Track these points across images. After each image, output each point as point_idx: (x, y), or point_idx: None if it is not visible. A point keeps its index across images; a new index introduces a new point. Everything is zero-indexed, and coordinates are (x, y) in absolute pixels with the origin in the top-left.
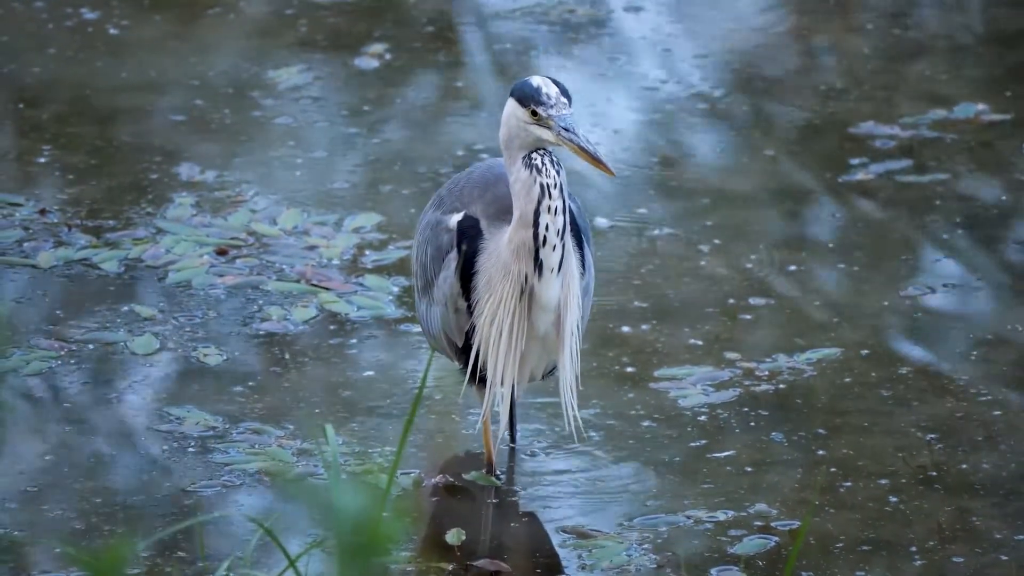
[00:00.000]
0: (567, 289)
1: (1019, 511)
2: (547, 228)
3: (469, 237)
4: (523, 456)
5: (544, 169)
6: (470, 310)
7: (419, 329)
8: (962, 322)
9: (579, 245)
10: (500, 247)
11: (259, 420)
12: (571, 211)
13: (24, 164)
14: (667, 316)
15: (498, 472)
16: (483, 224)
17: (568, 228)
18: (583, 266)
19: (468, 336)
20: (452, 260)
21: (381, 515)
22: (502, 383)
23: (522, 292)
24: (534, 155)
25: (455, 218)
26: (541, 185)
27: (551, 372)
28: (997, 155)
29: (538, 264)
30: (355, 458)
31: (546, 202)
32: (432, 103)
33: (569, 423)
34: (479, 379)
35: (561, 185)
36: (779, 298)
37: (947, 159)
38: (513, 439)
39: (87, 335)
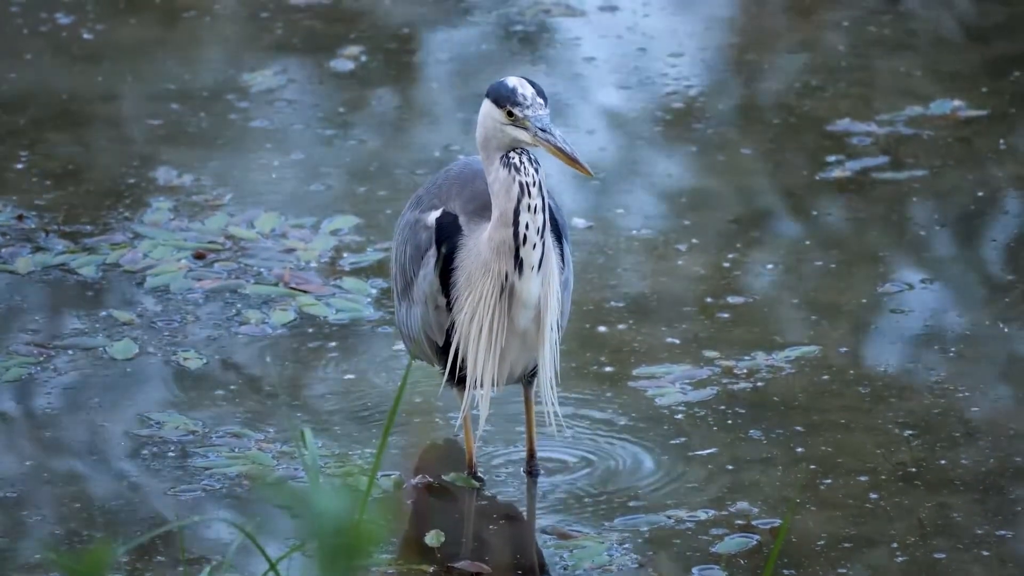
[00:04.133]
0: (547, 286)
1: (999, 506)
2: (527, 227)
3: (448, 234)
4: (502, 458)
5: (523, 168)
6: (449, 307)
7: (395, 330)
8: (940, 318)
9: (558, 240)
10: (480, 244)
11: (239, 424)
12: (549, 207)
13: (1, 170)
14: (645, 315)
15: (479, 473)
16: (462, 220)
17: (548, 226)
18: (562, 261)
19: (448, 334)
20: (431, 257)
21: (361, 517)
22: (481, 381)
23: (502, 290)
24: (512, 154)
25: (433, 215)
26: (520, 184)
27: (532, 374)
28: (974, 151)
29: (518, 262)
30: (335, 460)
31: (526, 200)
32: (408, 104)
33: (549, 419)
34: (458, 379)
35: (540, 183)
36: (757, 296)
37: (924, 156)
38: (532, 470)
39: (66, 340)
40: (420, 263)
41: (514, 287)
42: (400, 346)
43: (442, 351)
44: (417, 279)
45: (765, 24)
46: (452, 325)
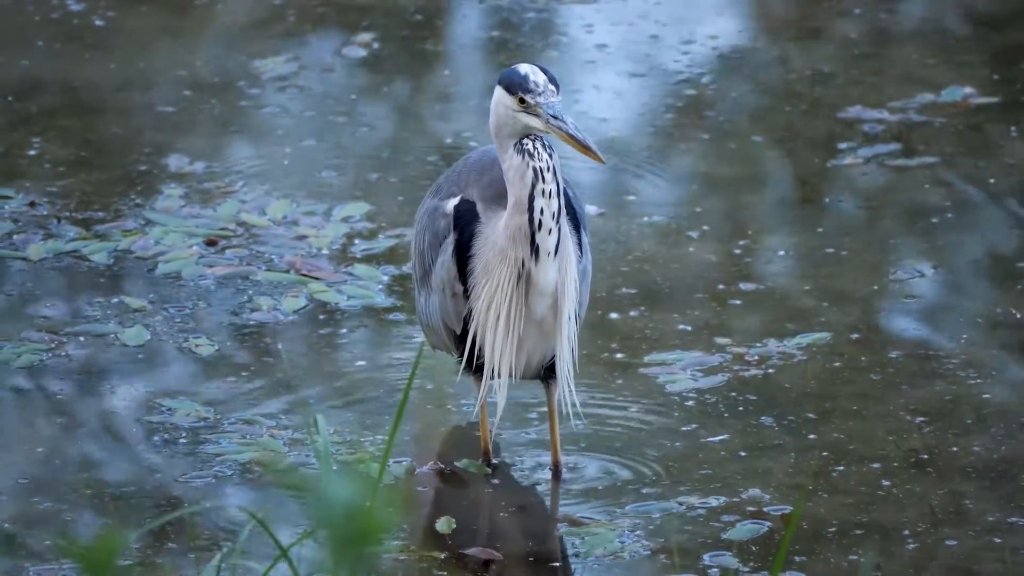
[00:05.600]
0: (564, 273)
1: (1011, 494)
2: (542, 212)
3: (466, 221)
4: (514, 445)
5: (536, 153)
6: (467, 295)
7: (407, 317)
8: (951, 305)
9: (576, 229)
10: (497, 232)
11: (250, 410)
12: (567, 196)
13: (13, 157)
14: (656, 302)
15: (493, 460)
16: (480, 208)
17: (564, 211)
18: (580, 250)
19: (466, 323)
20: (449, 244)
21: (372, 504)
22: (499, 371)
23: (519, 277)
24: (525, 140)
25: (452, 203)
26: (534, 169)
27: (550, 367)
28: (985, 138)
29: (535, 248)
30: (347, 447)
31: (540, 186)
32: (420, 91)
33: (567, 407)
34: (476, 367)
35: (554, 168)
36: (768, 283)
37: (935, 143)
38: (557, 470)
39: (77, 327)
40: (438, 250)
41: (531, 274)
42: (407, 318)
43: (460, 339)
44: (435, 266)
45: (777, 11)
46: (470, 313)
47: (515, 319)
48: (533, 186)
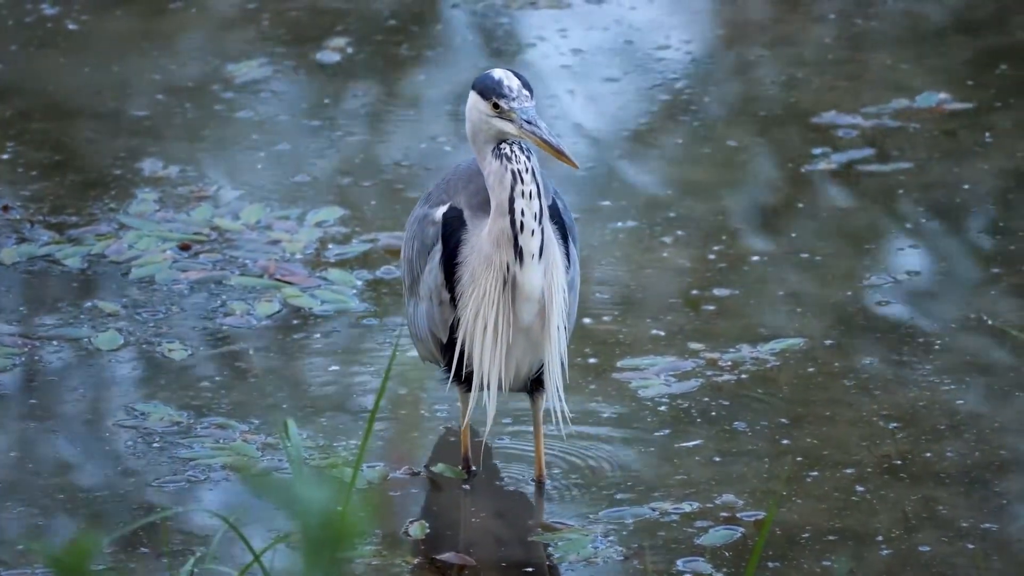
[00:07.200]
0: (551, 278)
1: (984, 499)
2: (523, 213)
3: (452, 228)
4: (489, 450)
5: (514, 156)
6: (454, 303)
7: (380, 322)
8: (925, 311)
9: (564, 240)
10: (481, 239)
11: (224, 415)
12: (556, 207)
13: None
14: (630, 307)
15: (473, 467)
16: (467, 215)
17: (546, 212)
18: (568, 260)
19: (453, 331)
20: (437, 252)
21: (346, 509)
22: (488, 380)
23: (505, 282)
24: (503, 144)
25: (440, 210)
26: (512, 172)
27: (538, 379)
28: (960, 144)
29: (518, 251)
30: (320, 452)
31: (519, 187)
32: (393, 96)
33: (555, 415)
34: (464, 378)
35: (533, 170)
36: (742, 289)
37: (910, 148)
38: (541, 483)
39: (51, 331)
40: (427, 258)
41: (516, 279)
42: (384, 337)
43: (447, 349)
44: (423, 274)
45: (751, 16)
46: (457, 322)
47: (503, 327)
48: (512, 188)
